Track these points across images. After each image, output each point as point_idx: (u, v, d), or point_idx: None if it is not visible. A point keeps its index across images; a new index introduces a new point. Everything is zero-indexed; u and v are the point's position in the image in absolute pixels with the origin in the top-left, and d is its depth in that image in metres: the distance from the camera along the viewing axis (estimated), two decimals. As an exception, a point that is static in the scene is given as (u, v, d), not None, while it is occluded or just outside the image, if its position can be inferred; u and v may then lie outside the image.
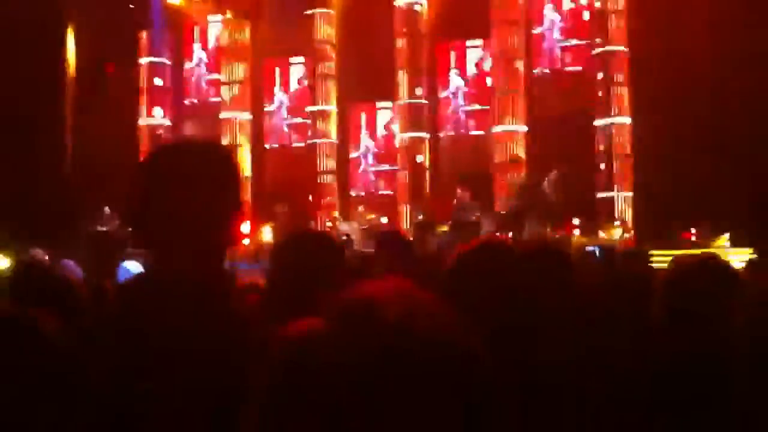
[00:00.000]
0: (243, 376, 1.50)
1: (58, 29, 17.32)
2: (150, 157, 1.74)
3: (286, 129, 18.48)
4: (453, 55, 17.54)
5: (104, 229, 14.37)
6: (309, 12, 17.30)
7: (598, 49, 15.48)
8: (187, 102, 18.91)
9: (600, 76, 15.38)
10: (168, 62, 18.65)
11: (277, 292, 2.81)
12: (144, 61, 18.41)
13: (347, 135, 17.93)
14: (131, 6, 18.11)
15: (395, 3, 16.83)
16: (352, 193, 17.75)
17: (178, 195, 1.65)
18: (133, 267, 9.66)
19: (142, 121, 18.28)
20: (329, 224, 15.19)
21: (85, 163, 16.68)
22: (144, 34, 18.42)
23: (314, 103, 17.55)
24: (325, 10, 17.30)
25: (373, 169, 17.99)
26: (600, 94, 15.41)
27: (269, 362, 1.05)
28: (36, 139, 16.04)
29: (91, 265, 11.07)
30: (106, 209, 14.73)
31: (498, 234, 13.19)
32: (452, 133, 17.49)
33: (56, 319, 1.41)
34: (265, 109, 18.52)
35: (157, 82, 18.41)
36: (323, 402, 0.95)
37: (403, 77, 16.93)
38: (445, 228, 13.93)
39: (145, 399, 1.55)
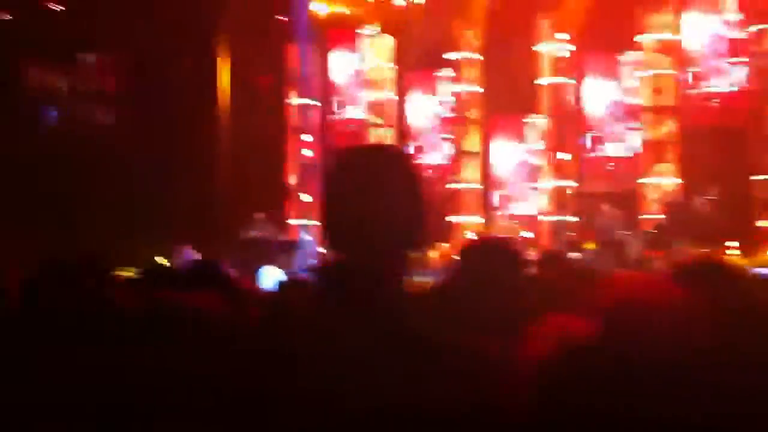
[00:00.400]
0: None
1: (210, 41, 18.12)
2: (338, 161, 1.77)
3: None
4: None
5: (257, 235, 14.90)
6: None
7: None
8: (335, 115, 19.29)
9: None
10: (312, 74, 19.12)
11: (455, 299, 2.81)
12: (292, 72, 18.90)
13: (490, 148, 17.80)
14: (281, 18, 18.70)
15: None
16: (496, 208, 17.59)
17: (364, 199, 1.67)
18: (271, 272, 10.00)
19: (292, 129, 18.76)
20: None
21: (239, 171, 17.37)
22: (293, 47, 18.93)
23: (459, 115, 17.49)
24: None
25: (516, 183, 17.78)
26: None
27: (542, 364, 1.03)
28: (192, 147, 16.88)
29: (240, 270, 11.55)
30: (260, 215, 15.31)
31: (646, 253, 12.82)
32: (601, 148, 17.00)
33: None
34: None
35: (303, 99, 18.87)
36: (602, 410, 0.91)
37: (549, 89, 16.65)
38: (592, 245, 13.62)
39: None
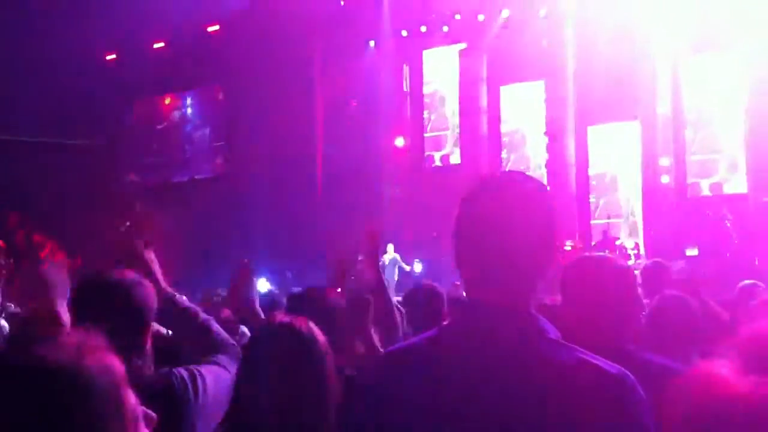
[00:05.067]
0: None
1: (307, 71, 18.56)
2: (471, 193, 1.70)
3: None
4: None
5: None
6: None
7: None
8: (427, 132, 19.38)
9: None
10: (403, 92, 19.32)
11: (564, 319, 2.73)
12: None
13: (586, 156, 17.43)
14: (372, 43, 18.99)
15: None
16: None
17: (485, 232, 1.63)
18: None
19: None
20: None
21: (334, 191, 17.67)
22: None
23: (552, 124, 17.28)
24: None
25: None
26: None
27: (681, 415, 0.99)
28: (293, 169, 17.32)
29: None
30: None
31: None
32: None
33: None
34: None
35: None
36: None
37: (649, 95, 16.25)
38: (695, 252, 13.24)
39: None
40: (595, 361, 1.57)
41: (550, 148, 17.19)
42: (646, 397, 1.53)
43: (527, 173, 1.73)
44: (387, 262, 15.13)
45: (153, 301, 2.30)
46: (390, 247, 15.63)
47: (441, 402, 1.59)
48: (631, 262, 13.59)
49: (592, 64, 16.17)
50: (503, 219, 1.62)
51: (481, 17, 17.97)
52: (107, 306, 2.17)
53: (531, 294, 1.66)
